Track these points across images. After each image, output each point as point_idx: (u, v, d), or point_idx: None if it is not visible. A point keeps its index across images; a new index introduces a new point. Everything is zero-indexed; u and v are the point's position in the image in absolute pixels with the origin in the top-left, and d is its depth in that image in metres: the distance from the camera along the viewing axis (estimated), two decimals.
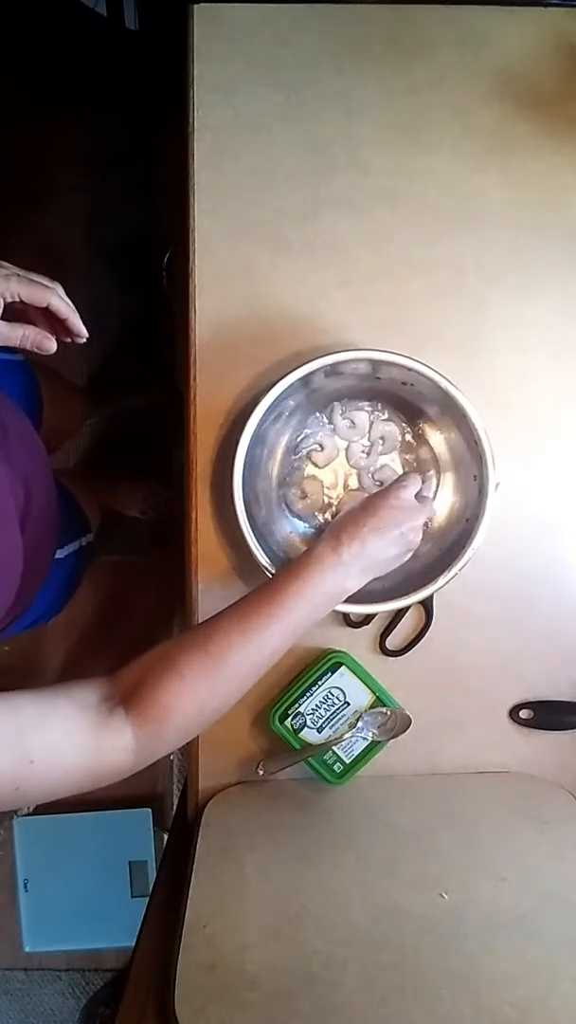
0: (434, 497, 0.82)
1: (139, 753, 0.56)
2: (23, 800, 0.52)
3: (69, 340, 0.68)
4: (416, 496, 0.70)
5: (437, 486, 0.83)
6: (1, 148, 1.57)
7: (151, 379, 1.61)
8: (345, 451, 0.84)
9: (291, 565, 0.65)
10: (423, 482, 0.74)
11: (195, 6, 0.80)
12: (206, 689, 0.58)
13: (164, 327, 1.50)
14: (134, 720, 0.56)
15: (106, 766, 0.56)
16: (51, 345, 0.65)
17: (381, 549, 0.66)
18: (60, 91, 1.55)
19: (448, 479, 0.82)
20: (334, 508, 0.84)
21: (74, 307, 0.66)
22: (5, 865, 1.66)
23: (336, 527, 0.67)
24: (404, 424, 0.83)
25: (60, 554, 0.92)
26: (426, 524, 0.77)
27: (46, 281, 0.64)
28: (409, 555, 0.70)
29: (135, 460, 1.65)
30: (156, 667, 0.58)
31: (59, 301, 0.65)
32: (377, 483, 0.83)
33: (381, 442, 0.83)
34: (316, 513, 0.84)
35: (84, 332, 0.67)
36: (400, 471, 0.84)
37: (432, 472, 0.83)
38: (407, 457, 0.84)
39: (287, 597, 0.62)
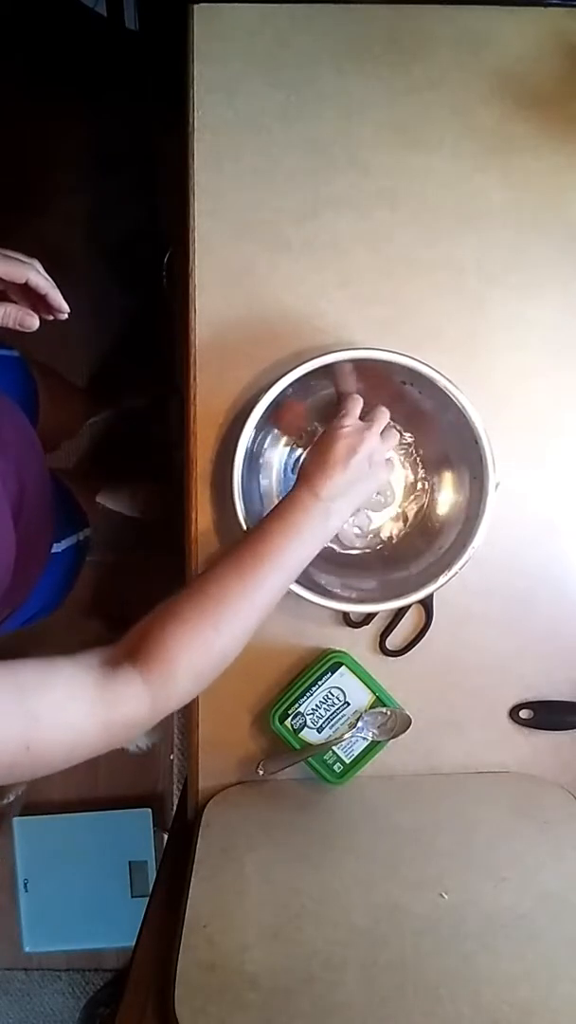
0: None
1: (155, 699, 0.56)
2: (41, 763, 0.51)
3: (51, 317, 0.68)
4: (362, 417, 0.72)
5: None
6: (1, 148, 1.57)
7: (151, 379, 1.61)
8: None
9: (274, 511, 0.67)
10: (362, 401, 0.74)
11: (195, 6, 0.80)
12: (210, 627, 0.59)
13: (164, 327, 1.50)
14: (143, 668, 0.56)
15: (120, 718, 0.55)
16: (33, 322, 0.65)
17: (351, 479, 0.68)
18: (60, 91, 1.55)
19: (448, 479, 0.82)
20: None
21: (53, 282, 0.66)
22: (5, 865, 1.66)
23: (304, 471, 0.69)
24: (404, 424, 0.83)
25: (57, 548, 0.92)
26: (400, 440, 0.79)
27: (23, 257, 0.64)
28: (384, 474, 0.73)
29: (135, 460, 1.65)
30: (157, 618, 0.59)
31: (38, 276, 0.64)
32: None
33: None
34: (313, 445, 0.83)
35: (65, 307, 0.67)
36: (400, 470, 0.84)
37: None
38: (407, 457, 0.84)
39: (277, 537, 0.64)
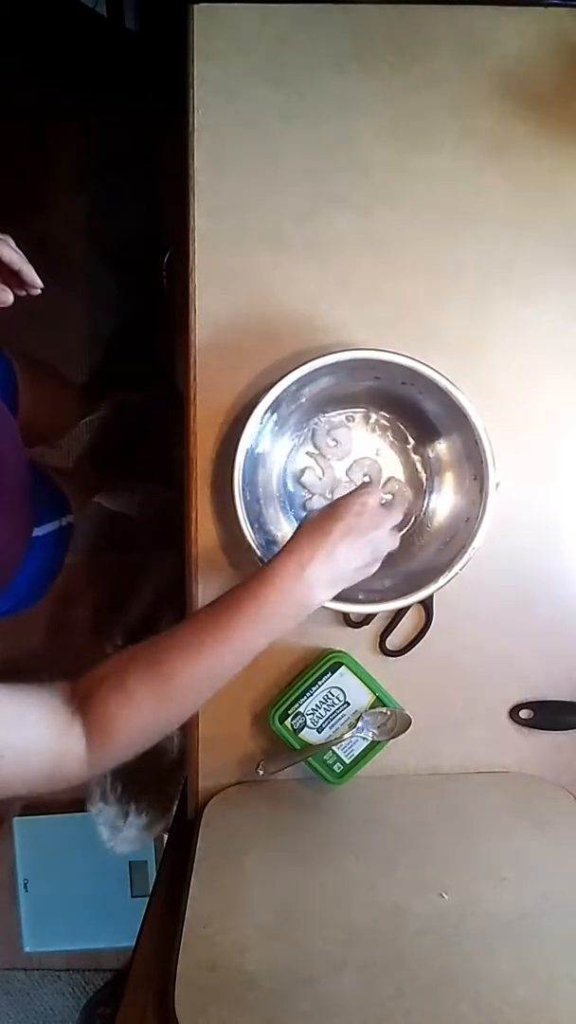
0: (405, 519, 0.81)
1: (90, 765, 0.58)
2: None
3: (24, 292, 0.67)
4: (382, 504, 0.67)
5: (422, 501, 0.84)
6: (1, 148, 1.57)
7: (150, 375, 1.61)
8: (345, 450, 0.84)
9: (251, 579, 0.61)
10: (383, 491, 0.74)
11: (195, 6, 0.80)
12: (152, 709, 0.58)
13: (164, 327, 1.50)
14: (87, 731, 0.57)
15: (62, 772, 0.57)
16: (7, 297, 0.64)
17: (350, 559, 0.62)
18: (60, 91, 1.55)
19: (448, 479, 0.82)
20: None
21: (25, 257, 0.65)
22: (5, 865, 1.66)
23: (300, 537, 0.63)
24: (404, 424, 0.83)
25: (39, 532, 0.91)
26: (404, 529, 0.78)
27: None
28: (376, 566, 0.67)
29: (134, 459, 1.65)
30: (108, 680, 0.58)
31: (10, 252, 0.64)
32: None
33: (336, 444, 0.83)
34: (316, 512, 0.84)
35: (38, 282, 0.67)
36: (401, 469, 0.84)
37: (402, 489, 0.83)
38: (407, 457, 0.84)
39: (242, 618, 0.59)
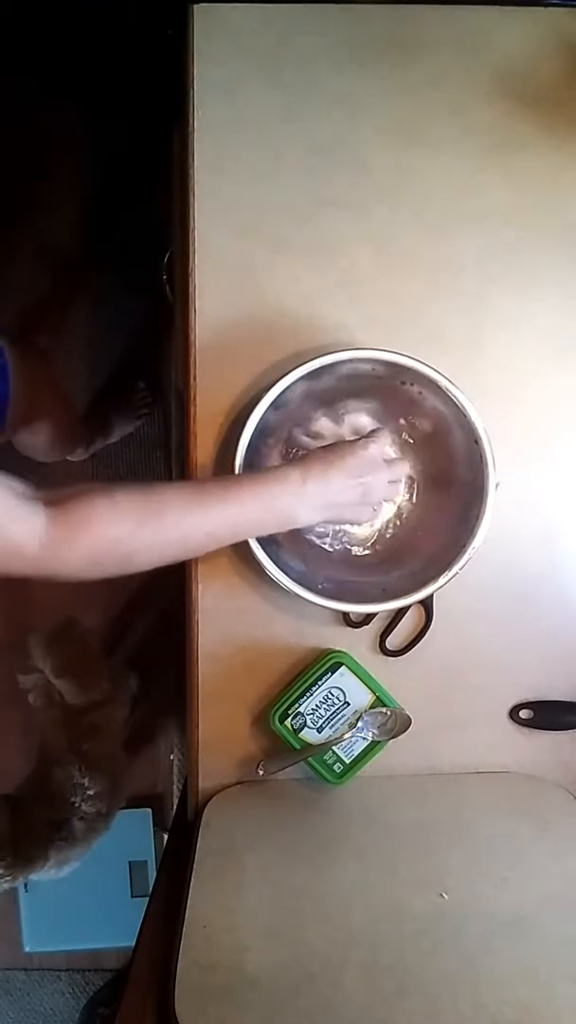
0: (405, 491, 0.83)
1: (47, 547, 0.56)
2: None
3: None
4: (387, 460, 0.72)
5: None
6: (1, 149, 1.57)
7: (137, 397, 1.62)
8: None
9: (258, 471, 0.68)
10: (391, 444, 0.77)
11: (195, 6, 0.80)
12: (131, 525, 0.58)
13: (165, 327, 1.50)
14: (51, 515, 0.56)
15: (11, 539, 0.55)
16: None
17: (341, 491, 0.67)
18: (60, 91, 1.55)
19: (448, 479, 0.82)
20: None
21: None
22: None
23: (305, 460, 0.68)
24: (404, 424, 0.83)
25: None
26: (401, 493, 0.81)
27: None
28: (368, 513, 0.73)
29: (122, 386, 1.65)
30: (93, 487, 0.58)
31: None
32: None
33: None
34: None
35: None
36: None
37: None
38: (407, 457, 0.84)
39: (241, 491, 0.64)
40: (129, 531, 0.58)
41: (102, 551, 0.58)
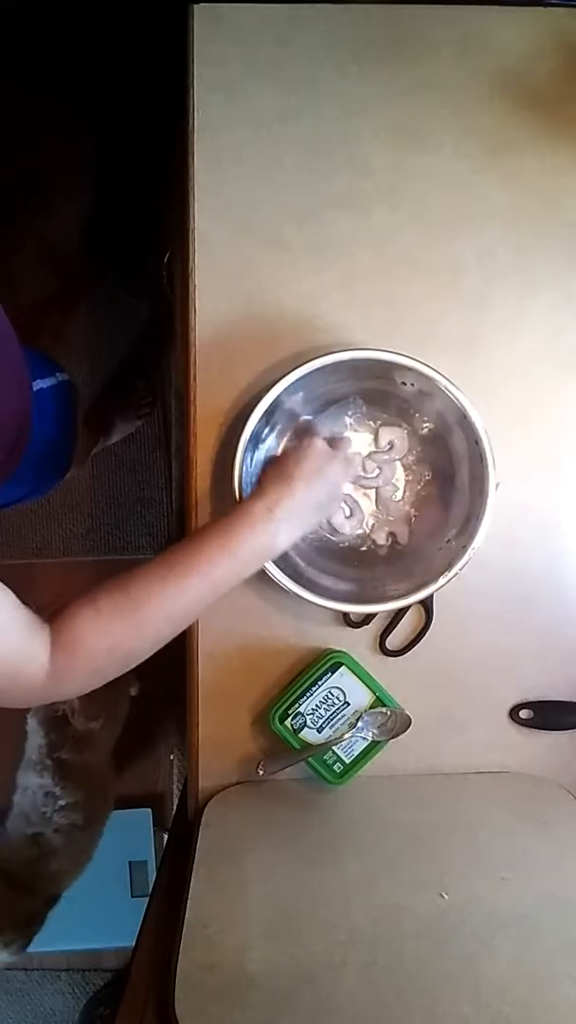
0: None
1: (50, 677, 0.57)
2: None
3: None
4: (330, 442, 0.72)
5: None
6: (1, 148, 1.57)
7: (135, 404, 1.62)
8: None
9: (221, 518, 0.65)
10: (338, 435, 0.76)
11: (195, 6, 0.80)
12: (120, 629, 0.59)
13: (165, 326, 1.50)
14: (53, 640, 0.57)
15: (23, 677, 0.56)
16: None
17: (310, 498, 0.67)
18: (60, 91, 1.55)
19: (448, 479, 0.82)
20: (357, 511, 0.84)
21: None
22: None
23: (261, 488, 0.67)
24: (403, 424, 0.83)
25: (40, 385, 0.96)
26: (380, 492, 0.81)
27: None
28: (336, 504, 0.73)
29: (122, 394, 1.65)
30: (80, 599, 0.59)
31: None
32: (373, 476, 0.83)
33: (388, 446, 0.83)
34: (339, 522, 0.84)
35: None
36: (400, 471, 0.84)
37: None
38: (407, 457, 0.84)
39: (213, 551, 0.62)
40: (119, 636, 0.59)
41: (102, 664, 0.59)
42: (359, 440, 0.84)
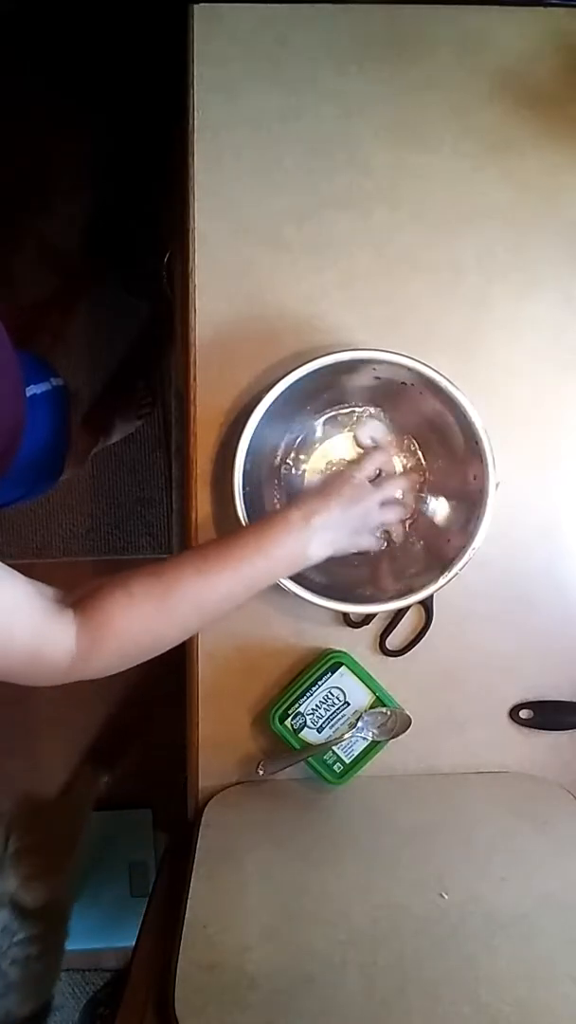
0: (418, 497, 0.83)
1: (77, 659, 0.57)
2: None
3: None
4: (374, 482, 0.74)
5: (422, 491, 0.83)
6: (1, 148, 1.57)
7: (135, 403, 1.62)
8: (345, 452, 0.84)
9: (259, 521, 0.67)
10: (381, 470, 0.76)
11: (195, 6, 0.80)
12: (151, 612, 0.59)
13: (165, 327, 1.50)
14: (79, 624, 0.57)
15: (45, 659, 0.56)
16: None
17: (345, 521, 0.68)
18: (60, 91, 1.55)
19: (448, 479, 0.82)
20: None
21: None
22: None
23: (303, 497, 0.69)
24: (404, 424, 0.83)
25: (34, 391, 0.96)
26: (406, 519, 0.81)
27: None
28: (369, 538, 0.73)
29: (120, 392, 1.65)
30: (110, 582, 0.59)
31: None
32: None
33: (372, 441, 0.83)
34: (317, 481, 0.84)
35: None
36: (401, 469, 0.84)
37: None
38: (407, 457, 0.84)
39: (247, 548, 0.64)
40: (150, 620, 0.60)
41: (129, 647, 0.60)
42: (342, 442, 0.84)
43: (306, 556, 0.67)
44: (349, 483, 0.70)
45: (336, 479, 0.71)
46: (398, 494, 0.76)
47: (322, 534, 0.67)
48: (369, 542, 0.74)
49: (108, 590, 0.59)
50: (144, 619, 0.59)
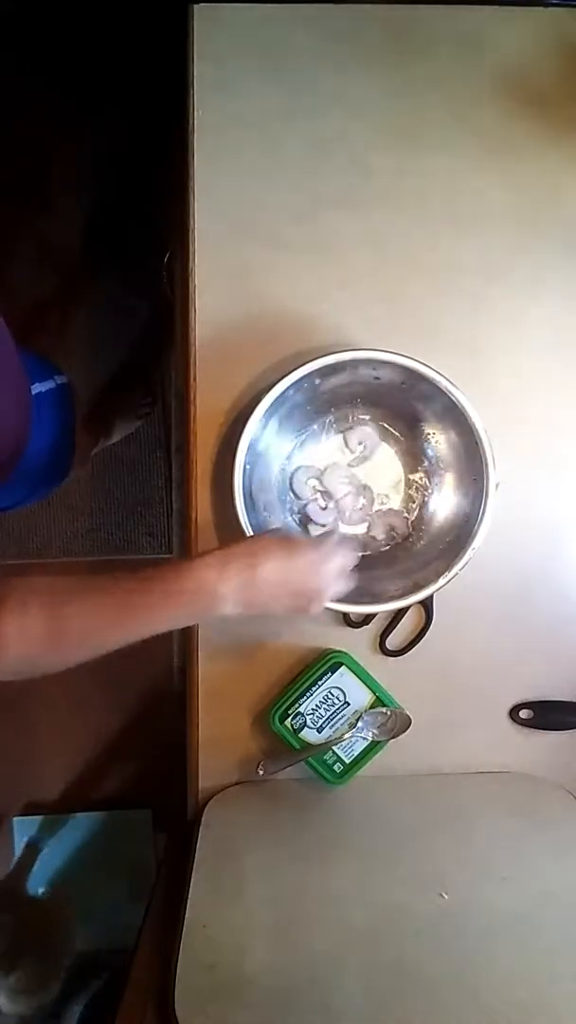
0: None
1: None
2: None
3: None
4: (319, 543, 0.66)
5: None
6: (1, 148, 1.57)
7: (136, 401, 1.62)
8: (344, 454, 0.84)
9: (172, 567, 0.61)
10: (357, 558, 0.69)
11: (195, 6, 0.80)
12: (39, 644, 0.58)
13: (165, 327, 1.50)
14: None
15: None
16: None
17: (273, 597, 0.62)
18: (60, 91, 1.55)
19: (448, 479, 0.82)
20: (334, 509, 0.84)
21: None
22: (5, 865, 1.66)
23: (230, 553, 0.62)
24: (404, 423, 0.83)
25: (39, 388, 0.95)
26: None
27: None
28: (305, 603, 0.64)
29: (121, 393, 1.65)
30: (14, 598, 0.58)
31: None
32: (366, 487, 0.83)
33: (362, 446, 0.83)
34: (316, 513, 0.84)
35: None
36: (401, 469, 0.84)
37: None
38: (407, 457, 0.84)
39: (148, 601, 0.60)
40: (37, 648, 0.58)
41: (20, 667, 0.59)
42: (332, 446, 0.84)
43: (216, 613, 0.61)
44: (312, 571, 0.63)
45: (271, 548, 0.62)
46: (344, 561, 0.65)
47: (238, 597, 0.60)
48: (304, 606, 0.64)
49: (8, 609, 0.57)
50: (32, 647, 0.58)
